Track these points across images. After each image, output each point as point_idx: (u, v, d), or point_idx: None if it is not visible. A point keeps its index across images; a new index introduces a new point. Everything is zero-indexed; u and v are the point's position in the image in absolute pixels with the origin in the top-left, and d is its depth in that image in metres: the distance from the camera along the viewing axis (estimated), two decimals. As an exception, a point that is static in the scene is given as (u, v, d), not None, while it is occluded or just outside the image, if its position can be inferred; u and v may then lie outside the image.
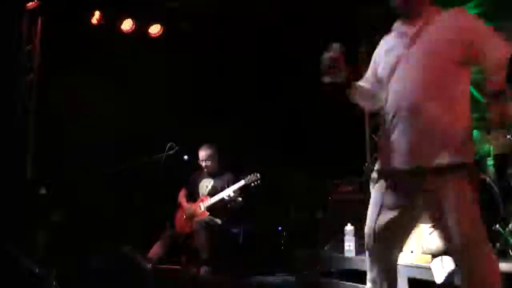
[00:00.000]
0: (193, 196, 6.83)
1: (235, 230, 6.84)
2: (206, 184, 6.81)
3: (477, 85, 6.65)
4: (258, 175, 6.40)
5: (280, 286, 6.35)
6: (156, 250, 6.40)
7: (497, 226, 4.91)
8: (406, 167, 3.04)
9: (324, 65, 3.03)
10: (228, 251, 6.66)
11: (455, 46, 3.03)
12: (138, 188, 7.52)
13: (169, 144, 6.74)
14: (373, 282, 3.26)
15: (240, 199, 6.51)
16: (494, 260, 2.99)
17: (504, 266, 4.36)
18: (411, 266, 4.71)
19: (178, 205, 6.89)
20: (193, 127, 7.56)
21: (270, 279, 6.51)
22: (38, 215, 6.38)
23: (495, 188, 5.20)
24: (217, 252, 6.28)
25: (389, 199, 3.15)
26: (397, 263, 3.35)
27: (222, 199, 6.48)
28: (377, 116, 3.60)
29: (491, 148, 5.77)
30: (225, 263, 6.37)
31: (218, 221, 6.53)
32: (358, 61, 7.01)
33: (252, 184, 6.40)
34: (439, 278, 4.35)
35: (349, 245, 5.59)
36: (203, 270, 6.15)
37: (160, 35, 8.34)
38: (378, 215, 3.17)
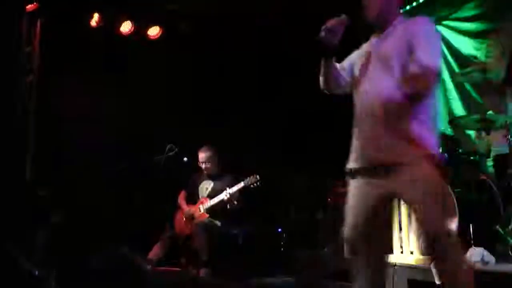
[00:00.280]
0: (193, 198, 6.83)
1: (234, 232, 6.85)
2: (206, 186, 6.81)
3: (476, 86, 6.70)
4: (258, 176, 6.41)
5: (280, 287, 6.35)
6: (155, 251, 6.41)
7: (497, 226, 4.91)
8: (372, 165, 3.12)
9: (325, 25, 3.15)
10: (227, 252, 6.66)
11: (404, 52, 3.11)
12: (138, 189, 7.52)
13: (168, 146, 6.75)
14: None
15: (239, 200, 6.52)
16: (462, 251, 3.16)
17: (504, 267, 4.37)
18: (410, 267, 4.71)
19: (177, 207, 6.89)
20: (193, 129, 7.57)
21: (270, 280, 6.49)
22: (37, 215, 6.38)
23: (495, 189, 5.21)
24: (216, 254, 6.28)
25: (360, 199, 3.22)
26: (384, 266, 3.36)
27: (222, 201, 6.48)
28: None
29: (491, 149, 5.79)
30: (224, 265, 6.37)
31: (218, 222, 6.53)
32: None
33: (252, 185, 6.41)
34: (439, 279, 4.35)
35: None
36: (203, 271, 6.15)
37: (159, 37, 8.35)
38: (352, 217, 3.23)
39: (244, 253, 6.89)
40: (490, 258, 4.49)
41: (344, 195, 3.37)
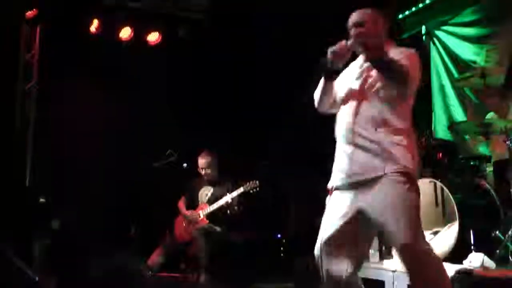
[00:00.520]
0: (193, 204, 6.82)
1: (234, 238, 6.84)
2: (206, 192, 6.80)
3: (476, 91, 6.71)
4: (257, 182, 6.41)
5: (279, 294, 6.34)
6: (155, 257, 6.40)
7: (497, 232, 4.91)
8: (349, 182, 3.24)
9: (333, 48, 3.21)
10: (227, 258, 6.65)
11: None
12: (138, 195, 7.52)
13: (168, 152, 6.75)
14: None
15: (239, 206, 6.52)
16: (439, 259, 3.18)
17: (504, 272, 4.37)
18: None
19: (177, 213, 6.88)
20: (192, 134, 7.57)
21: (269, 286, 6.49)
22: (37, 222, 6.38)
23: (495, 195, 5.21)
24: (216, 260, 6.27)
25: (335, 213, 3.29)
26: (357, 281, 3.36)
27: (222, 207, 6.48)
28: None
29: (491, 154, 5.80)
30: (224, 271, 6.36)
31: (218, 228, 6.53)
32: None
33: (251, 191, 6.41)
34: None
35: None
36: (203, 277, 6.13)
37: (159, 43, 8.36)
38: (326, 229, 3.29)
39: (244, 259, 6.88)
40: (490, 264, 4.49)
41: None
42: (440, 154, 5.62)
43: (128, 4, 7.91)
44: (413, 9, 7.78)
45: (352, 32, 3.26)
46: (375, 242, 5.48)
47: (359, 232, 3.28)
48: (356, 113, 3.26)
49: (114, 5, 7.82)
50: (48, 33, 7.62)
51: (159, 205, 7.14)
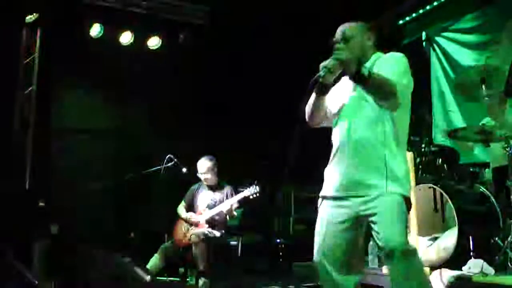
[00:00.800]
0: (192, 209, 6.82)
1: (233, 242, 6.83)
2: (205, 197, 6.80)
3: (474, 98, 6.71)
4: (257, 187, 6.40)
5: (278, 299, 6.34)
6: (155, 262, 6.39)
7: (496, 239, 4.91)
8: (343, 194, 3.28)
9: (325, 64, 3.19)
10: (226, 263, 6.64)
11: None
12: (137, 200, 7.52)
13: (167, 157, 6.75)
14: None
15: (238, 212, 6.52)
16: (422, 263, 3.24)
17: (503, 279, 4.37)
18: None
19: (177, 218, 6.88)
20: (192, 139, 7.57)
21: (269, 291, 6.49)
22: (37, 226, 6.38)
23: (494, 201, 5.21)
24: (215, 264, 6.26)
25: (331, 219, 3.32)
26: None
27: (221, 212, 6.47)
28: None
29: (490, 161, 5.80)
30: (223, 275, 6.36)
31: (217, 233, 6.52)
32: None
33: (251, 196, 6.40)
34: (438, 290, 4.36)
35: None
36: (202, 282, 6.13)
37: (159, 47, 8.37)
38: (321, 240, 3.32)
39: (243, 264, 6.88)
40: (490, 270, 4.50)
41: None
42: (440, 160, 5.63)
43: (128, 9, 7.92)
44: (414, 15, 7.80)
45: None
46: (374, 248, 5.48)
47: (355, 239, 3.31)
48: (351, 126, 3.29)
49: (114, 9, 7.83)
50: (48, 37, 7.62)
51: (159, 209, 7.13)
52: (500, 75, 5.69)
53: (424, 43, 7.88)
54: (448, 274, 4.54)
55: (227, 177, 6.86)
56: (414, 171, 5.22)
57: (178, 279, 6.58)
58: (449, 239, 4.96)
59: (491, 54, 6.77)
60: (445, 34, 7.55)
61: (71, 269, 5.44)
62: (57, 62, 7.65)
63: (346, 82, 3.46)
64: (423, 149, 5.66)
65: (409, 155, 5.07)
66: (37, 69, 7.56)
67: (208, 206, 6.66)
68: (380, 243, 3.08)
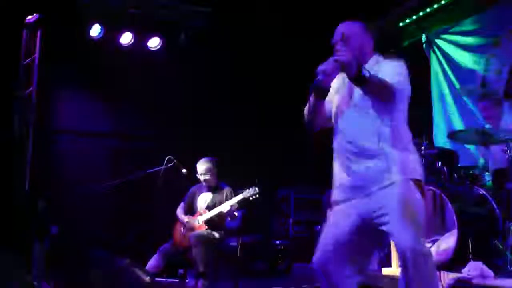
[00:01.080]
0: (192, 210, 6.82)
1: (233, 244, 6.83)
2: (205, 198, 6.80)
3: (475, 100, 6.71)
4: (257, 188, 6.40)
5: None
6: (154, 263, 6.39)
7: (496, 241, 4.91)
8: (354, 194, 3.28)
9: (322, 68, 3.17)
10: (226, 264, 6.64)
11: None
12: (137, 201, 7.52)
13: (167, 158, 6.75)
14: None
15: (238, 213, 6.52)
16: (434, 264, 3.18)
17: (503, 281, 4.38)
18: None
19: (176, 219, 6.87)
20: (192, 140, 7.58)
21: (269, 293, 6.50)
22: (37, 227, 6.38)
23: (493, 203, 5.21)
24: (215, 266, 6.27)
25: (338, 221, 3.33)
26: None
27: (221, 213, 6.47)
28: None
29: (489, 163, 5.80)
30: (223, 277, 6.36)
31: (216, 234, 6.52)
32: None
33: (251, 197, 6.40)
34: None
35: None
36: (201, 283, 6.13)
37: (159, 48, 8.37)
38: (328, 238, 3.34)
39: (243, 265, 6.88)
40: (489, 273, 4.50)
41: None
42: (440, 163, 5.64)
43: (128, 10, 7.92)
44: (414, 17, 7.81)
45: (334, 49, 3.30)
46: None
47: (361, 242, 3.31)
48: (354, 126, 3.30)
49: (114, 10, 7.83)
50: (48, 38, 7.62)
51: (158, 211, 7.13)
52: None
53: (424, 45, 7.89)
54: (448, 276, 4.54)
55: (227, 178, 6.86)
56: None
57: (177, 280, 6.58)
58: (449, 241, 4.96)
59: (491, 57, 6.78)
60: (445, 36, 7.56)
61: (71, 269, 5.44)
62: (57, 62, 7.64)
63: (342, 83, 3.46)
64: (423, 151, 5.66)
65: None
66: (36, 71, 7.56)
67: (208, 207, 6.66)
68: (393, 243, 3.07)
